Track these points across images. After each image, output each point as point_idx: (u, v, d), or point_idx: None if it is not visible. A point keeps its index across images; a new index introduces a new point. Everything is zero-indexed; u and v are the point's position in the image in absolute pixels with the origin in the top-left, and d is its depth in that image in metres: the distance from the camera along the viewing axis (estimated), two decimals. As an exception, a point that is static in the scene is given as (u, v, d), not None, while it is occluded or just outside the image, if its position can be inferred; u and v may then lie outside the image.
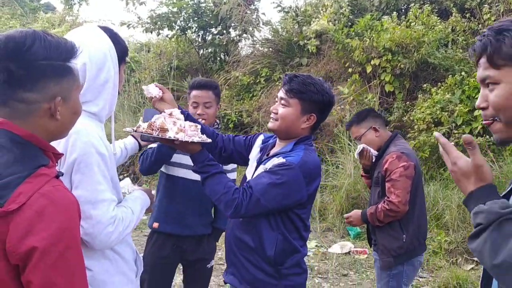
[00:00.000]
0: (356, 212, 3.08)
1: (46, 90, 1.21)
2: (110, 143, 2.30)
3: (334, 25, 8.06)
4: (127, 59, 7.55)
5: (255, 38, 9.39)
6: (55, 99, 1.22)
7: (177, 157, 2.72)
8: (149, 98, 2.12)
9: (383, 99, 7.28)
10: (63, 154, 1.43)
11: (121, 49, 1.74)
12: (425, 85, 6.77)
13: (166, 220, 2.78)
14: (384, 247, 2.91)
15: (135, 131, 1.92)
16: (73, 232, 1.19)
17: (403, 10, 8.43)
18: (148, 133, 1.88)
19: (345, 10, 8.20)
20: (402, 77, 7.16)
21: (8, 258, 1.11)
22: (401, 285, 2.88)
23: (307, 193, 2.08)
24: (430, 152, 6.34)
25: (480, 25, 7.17)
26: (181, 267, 3.03)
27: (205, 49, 9.77)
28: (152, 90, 2.10)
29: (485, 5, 7.06)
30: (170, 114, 1.93)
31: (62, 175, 1.34)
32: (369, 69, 7.20)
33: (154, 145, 2.72)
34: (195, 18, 9.45)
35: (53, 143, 1.31)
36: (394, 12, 7.71)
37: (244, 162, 2.37)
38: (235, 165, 2.89)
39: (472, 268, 4.76)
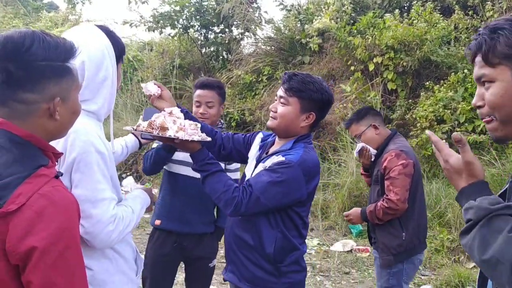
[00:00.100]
0: (356, 210, 3.08)
1: (46, 91, 1.21)
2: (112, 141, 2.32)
3: (336, 23, 8.04)
4: (130, 58, 7.50)
5: (257, 37, 9.39)
6: (54, 100, 1.22)
7: (178, 155, 2.73)
8: (147, 96, 2.12)
9: (386, 97, 7.26)
10: (62, 153, 1.43)
11: (118, 47, 1.73)
12: (427, 83, 6.76)
13: (168, 217, 2.80)
14: (384, 245, 2.91)
15: (135, 130, 1.92)
16: (72, 232, 1.20)
17: (405, 8, 8.41)
18: (148, 132, 1.88)
19: (347, 8, 8.18)
20: (405, 75, 7.14)
21: (8, 258, 1.12)
22: (401, 283, 2.88)
23: (306, 191, 2.09)
24: (433, 150, 6.31)
25: (483, 23, 7.14)
26: (184, 266, 3.05)
27: (207, 47, 9.78)
28: (151, 88, 2.10)
29: (488, 2, 7.03)
30: (170, 113, 1.93)
31: (62, 175, 1.35)
32: (371, 67, 7.19)
33: (156, 144, 2.74)
34: (198, 17, 9.46)
35: (52, 143, 1.32)
36: (397, 10, 7.69)
37: (243, 160, 2.37)
38: (238, 165, 2.90)
39: (474, 266, 4.75)
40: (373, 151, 3.03)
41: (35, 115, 1.22)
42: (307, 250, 5.33)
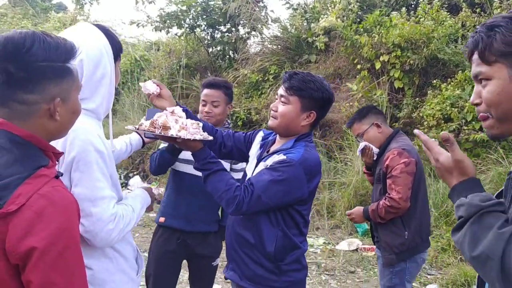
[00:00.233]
0: (358, 209, 3.07)
1: (46, 91, 1.21)
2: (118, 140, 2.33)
3: (343, 21, 8.02)
4: (137, 57, 7.52)
5: (263, 36, 9.38)
6: (54, 100, 1.23)
7: (184, 154, 2.75)
8: (147, 95, 2.13)
9: (392, 95, 7.23)
10: (63, 153, 1.44)
11: (116, 46, 1.73)
12: (434, 81, 6.72)
13: (172, 215, 2.83)
14: (386, 244, 2.90)
15: (137, 129, 1.93)
16: (72, 232, 1.20)
17: (412, 6, 8.36)
18: (151, 131, 1.89)
19: (353, 6, 8.15)
20: (412, 73, 7.10)
21: (8, 257, 1.13)
22: (404, 282, 2.87)
23: (308, 190, 2.09)
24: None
25: (490, 20, 7.07)
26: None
27: (214, 47, 9.79)
28: (149, 86, 2.10)
29: (496, 0, 6.98)
30: (172, 112, 1.94)
31: (62, 175, 1.35)
32: (378, 65, 7.15)
33: (163, 144, 2.77)
34: (204, 16, 9.47)
35: (51, 142, 1.32)
36: (403, 8, 7.65)
37: (244, 159, 2.38)
38: (244, 165, 2.92)
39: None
40: (375, 150, 3.02)
41: (35, 116, 1.23)
42: (313, 249, 5.35)
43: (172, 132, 1.87)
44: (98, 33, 1.67)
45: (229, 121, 3.08)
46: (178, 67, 9.16)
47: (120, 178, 7.68)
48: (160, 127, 1.87)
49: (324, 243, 5.56)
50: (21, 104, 1.20)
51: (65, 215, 1.18)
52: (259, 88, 8.44)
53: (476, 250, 1.09)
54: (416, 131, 1.34)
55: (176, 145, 2.03)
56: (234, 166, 2.87)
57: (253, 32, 9.44)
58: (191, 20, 9.51)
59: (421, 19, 7.17)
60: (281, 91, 2.17)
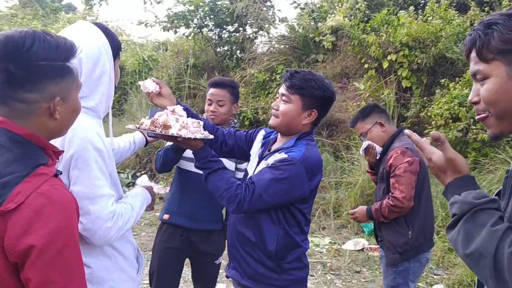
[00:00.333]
0: (362, 208, 3.06)
1: (46, 90, 1.22)
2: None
3: (350, 20, 7.99)
4: (145, 57, 7.54)
5: (271, 35, 9.38)
6: (54, 99, 1.23)
7: (189, 152, 2.76)
8: (146, 93, 2.13)
9: (400, 94, 7.19)
10: (63, 151, 1.44)
11: (115, 44, 1.74)
12: (443, 80, 6.67)
13: (177, 213, 2.85)
14: (389, 244, 2.89)
15: (138, 128, 1.94)
16: (71, 230, 1.21)
17: (420, 5, 8.31)
18: (151, 130, 1.90)
19: (361, 5, 8.12)
20: (420, 72, 7.06)
21: (7, 256, 1.13)
22: (407, 282, 2.86)
23: (309, 188, 2.09)
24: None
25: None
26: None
27: (221, 47, 9.80)
28: (149, 85, 2.09)
29: (505, -2, 6.92)
30: (173, 111, 1.94)
31: (61, 173, 1.36)
32: (385, 64, 7.12)
33: (169, 142, 2.79)
34: (211, 16, 9.49)
35: (51, 141, 1.32)
36: (411, 7, 7.60)
37: (245, 157, 2.38)
38: None
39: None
40: (378, 149, 3.01)
41: (35, 114, 1.23)
42: (318, 249, 5.34)
43: (173, 131, 1.88)
44: (97, 31, 1.67)
45: (235, 120, 3.09)
46: (185, 67, 9.18)
47: (127, 178, 7.72)
48: (160, 126, 1.88)
49: (330, 242, 5.54)
50: (21, 103, 1.21)
51: (64, 213, 1.19)
52: (266, 88, 8.44)
53: (470, 247, 1.09)
54: (406, 131, 1.34)
55: (177, 144, 2.03)
56: (239, 166, 2.87)
57: (260, 32, 9.45)
58: (198, 20, 9.53)
59: (429, 18, 7.12)
60: (282, 89, 2.16)
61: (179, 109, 1.95)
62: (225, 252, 3.80)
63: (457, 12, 7.32)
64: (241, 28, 9.50)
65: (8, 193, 1.13)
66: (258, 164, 2.21)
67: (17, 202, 1.13)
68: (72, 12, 14.72)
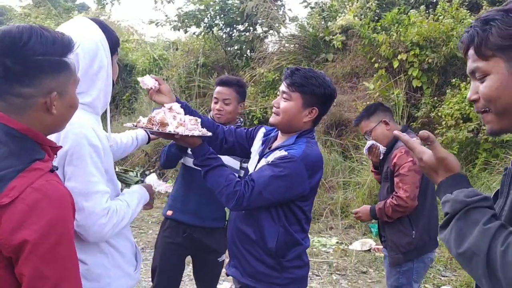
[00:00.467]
0: (365, 208, 3.04)
1: (43, 85, 1.22)
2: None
3: (361, 19, 7.94)
4: (156, 57, 7.56)
5: (281, 35, 9.36)
6: (50, 94, 1.23)
7: None
8: (146, 90, 2.12)
9: (410, 94, 7.13)
10: (61, 147, 1.43)
11: (113, 40, 1.73)
12: (454, 80, 6.59)
13: (180, 210, 2.86)
14: (393, 243, 2.86)
15: (136, 126, 1.94)
16: (65, 226, 1.20)
17: (431, 4, 8.22)
18: (148, 128, 1.90)
19: (371, 4, 8.06)
20: (430, 72, 6.99)
21: (1, 250, 1.13)
22: (411, 282, 2.83)
23: (309, 186, 2.08)
24: (459, 149, 6.17)
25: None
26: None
27: (231, 46, 9.81)
28: (148, 81, 2.09)
29: (518, -3, 6.79)
30: (170, 109, 1.94)
31: (57, 169, 1.36)
32: (396, 64, 7.06)
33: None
34: (222, 15, 9.49)
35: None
36: (422, 6, 7.52)
37: (245, 155, 2.38)
38: None
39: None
40: (382, 149, 2.98)
41: (32, 109, 1.23)
42: (325, 249, 5.31)
43: (170, 129, 1.87)
44: (94, 27, 1.67)
45: (241, 119, 3.09)
46: (195, 66, 9.20)
47: (136, 176, 7.76)
48: (157, 123, 1.88)
49: (337, 242, 5.51)
50: (17, 98, 1.21)
51: (59, 208, 1.18)
52: (275, 87, 8.42)
53: (462, 246, 1.07)
54: (395, 132, 1.34)
55: (175, 141, 2.03)
56: (244, 165, 2.87)
57: (270, 31, 9.43)
58: (209, 19, 9.55)
59: (440, 17, 7.04)
60: (283, 87, 2.16)
61: (176, 106, 1.95)
62: (228, 250, 3.79)
63: (468, 11, 7.22)
64: (251, 27, 9.48)
65: (3, 188, 1.14)
66: (258, 162, 2.21)
67: (11, 197, 1.13)
68: (85, 11, 14.86)
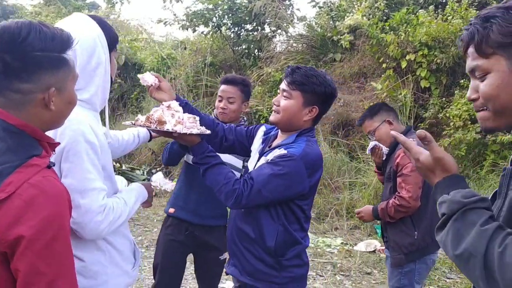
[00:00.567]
0: (367, 208, 3.02)
1: (41, 81, 1.22)
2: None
3: (369, 19, 7.90)
4: (164, 56, 7.57)
5: (289, 34, 9.34)
6: (49, 90, 1.23)
7: None
8: (146, 87, 2.11)
9: (418, 95, 7.08)
10: (59, 143, 1.43)
11: (111, 36, 1.73)
12: (462, 80, 6.54)
13: (182, 207, 2.87)
14: (395, 244, 2.84)
15: (134, 124, 1.93)
16: (61, 222, 1.20)
17: (440, 5, 8.15)
18: (146, 126, 1.90)
19: (380, 4, 8.01)
20: (439, 73, 6.94)
21: None
22: (412, 283, 2.80)
23: (308, 185, 2.07)
24: (467, 150, 6.12)
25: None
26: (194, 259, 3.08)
27: (239, 45, 9.81)
28: (148, 78, 2.08)
29: (529, -3, 6.72)
30: (168, 107, 1.94)
31: (54, 165, 1.37)
32: (404, 64, 7.02)
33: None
34: (230, 15, 9.50)
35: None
36: (431, 6, 7.46)
37: (246, 153, 2.37)
38: None
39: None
40: (385, 150, 2.97)
41: (30, 105, 1.23)
42: (329, 249, 5.29)
43: (168, 127, 1.86)
44: (92, 23, 1.67)
45: (245, 118, 3.09)
46: (203, 65, 9.22)
47: (143, 174, 7.79)
48: (155, 121, 1.87)
49: (342, 243, 5.48)
50: (16, 93, 1.21)
51: (55, 205, 1.18)
52: (283, 87, 8.41)
53: (459, 248, 1.05)
54: (392, 132, 1.32)
55: (173, 139, 2.03)
56: (247, 164, 2.87)
57: (278, 31, 9.41)
58: (217, 19, 9.56)
59: (449, 18, 6.98)
60: (283, 85, 2.15)
61: (174, 104, 1.94)
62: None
63: (478, 11, 7.14)
64: (259, 27, 9.48)
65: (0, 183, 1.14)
66: (258, 160, 2.20)
67: (8, 192, 1.13)
68: (94, 10, 14.94)
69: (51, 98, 1.24)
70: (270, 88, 8.44)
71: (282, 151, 2.05)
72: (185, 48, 10.48)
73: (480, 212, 1.07)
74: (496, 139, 5.81)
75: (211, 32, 9.75)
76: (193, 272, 3.59)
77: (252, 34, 9.50)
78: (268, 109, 7.99)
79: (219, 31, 9.73)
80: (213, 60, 9.46)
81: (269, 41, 9.33)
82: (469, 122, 6.13)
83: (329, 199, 6.33)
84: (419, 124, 6.74)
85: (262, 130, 2.34)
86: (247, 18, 9.37)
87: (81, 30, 1.61)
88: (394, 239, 2.86)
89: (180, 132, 1.88)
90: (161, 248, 2.90)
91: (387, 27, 7.47)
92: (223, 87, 2.92)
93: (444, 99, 6.80)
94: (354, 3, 8.64)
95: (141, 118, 1.90)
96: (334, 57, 8.35)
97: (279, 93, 2.20)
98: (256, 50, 9.59)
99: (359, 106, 7.40)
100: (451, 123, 6.29)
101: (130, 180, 2.32)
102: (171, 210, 2.91)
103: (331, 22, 8.72)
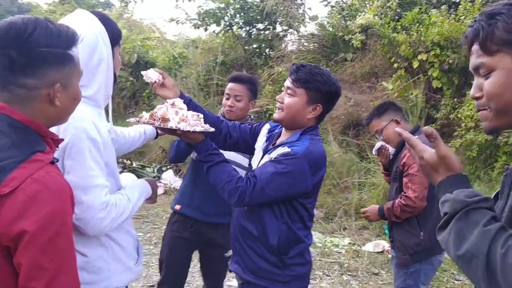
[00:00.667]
0: (373, 207, 3.01)
1: (46, 77, 1.23)
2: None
3: (381, 19, 7.85)
4: (175, 54, 7.58)
5: (300, 33, 9.33)
6: (54, 86, 1.24)
7: None
8: (150, 83, 2.12)
9: (430, 95, 7.02)
10: (63, 140, 1.45)
11: (113, 32, 1.74)
12: (474, 81, 6.45)
13: (188, 204, 2.89)
14: (400, 244, 2.83)
15: (138, 121, 1.94)
16: (64, 218, 1.21)
17: (453, 5, 8.07)
18: (150, 123, 1.90)
19: (392, 3, 7.96)
20: (451, 73, 6.87)
21: (0, 239, 1.15)
22: (418, 284, 2.78)
23: (312, 183, 2.07)
24: (478, 151, 6.05)
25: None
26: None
27: (250, 44, 9.82)
28: (152, 74, 2.08)
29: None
30: (173, 104, 1.94)
31: (58, 161, 1.38)
32: (415, 64, 6.96)
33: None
34: (242, 14, 9.52)
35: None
36: (444, 6, 7.38)
37: (250, 151, 2.37)
38: None
39: None
40: (391, 150, 2.95)
41: (35, 101, 1.24)
42: (337, 249, 5.27)
43: (171, 124, 1.87)
44: (94, 19, 1.68)
45: (251, 116, 3.09)
46: (214, 64, 9.24)
47: (153, 172, 7.84)
48: (159, 119, 1.88)
49: (349, 243, 5.46)
50: (21, 89, 1.22)
51: (58, 200, 1.19)
52: (293, 86, 8.39)
53: (461, 248, 1.03)
54: (397, 129, 1.28)
55: (177, 137, 2.04)
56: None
57: (289, 30, 9.40)
58: (228, 18, 9.58)
59: (461, 17, 6.91)
60: (287, 83, 2.15)
61: (179, 102, 1.95)
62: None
63: (492, 11, 7.06)
64: (270, 26, 9.49)
65: (3, 178, 1.15)
66: (262, 158, 2.20)
67: (12, 187, 1.14)
68: (108, 9, 15.06)
69: (56, 94, 1.26)
70: (280, 87, 8.42)
71: (285, 149, 2.04)
72: (196, 47, 10.52)
73: (483, 212, 1.05)
74: (508, 140, 5.74)
75: (222, 31, 9.77)
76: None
77: (264, 33, 9.50)
78: (278, 108, 7.97)
79: (230, 30, 9.75)
80: (224, 59, 9.48)
81: (280, 40, 9.33)
82: (481, 123, 6.04)
83: (338, 199, 6.30)
84: (431, 125, 6.67)
85: (266, 128, 2.34)
86: (258, 17, 9.39)
87: (82, 26, 1.61)
88: (400, 239, 2.84)
89: (184, 129, 1.89)
90: (167, 244, 2.92)
91: (399, 27, 7.41)
92: (230, 85, 2.93)
93: (456, 99, 6.73)
94: (366, 2, 8.59)
95: (145, 115, 1.92)
96: (345, 57, 8.31)
97: (283, 91, 2.20)
98: (267, 49, 9.59)
99: (369, 106, 7.35)
100: (463, 124, 6.23)
101: (140, 177, 2.32)
102: (177, 206, 2.94)
103: (342, 22, 8.68)
